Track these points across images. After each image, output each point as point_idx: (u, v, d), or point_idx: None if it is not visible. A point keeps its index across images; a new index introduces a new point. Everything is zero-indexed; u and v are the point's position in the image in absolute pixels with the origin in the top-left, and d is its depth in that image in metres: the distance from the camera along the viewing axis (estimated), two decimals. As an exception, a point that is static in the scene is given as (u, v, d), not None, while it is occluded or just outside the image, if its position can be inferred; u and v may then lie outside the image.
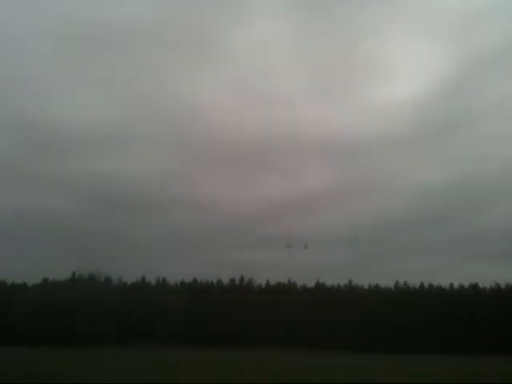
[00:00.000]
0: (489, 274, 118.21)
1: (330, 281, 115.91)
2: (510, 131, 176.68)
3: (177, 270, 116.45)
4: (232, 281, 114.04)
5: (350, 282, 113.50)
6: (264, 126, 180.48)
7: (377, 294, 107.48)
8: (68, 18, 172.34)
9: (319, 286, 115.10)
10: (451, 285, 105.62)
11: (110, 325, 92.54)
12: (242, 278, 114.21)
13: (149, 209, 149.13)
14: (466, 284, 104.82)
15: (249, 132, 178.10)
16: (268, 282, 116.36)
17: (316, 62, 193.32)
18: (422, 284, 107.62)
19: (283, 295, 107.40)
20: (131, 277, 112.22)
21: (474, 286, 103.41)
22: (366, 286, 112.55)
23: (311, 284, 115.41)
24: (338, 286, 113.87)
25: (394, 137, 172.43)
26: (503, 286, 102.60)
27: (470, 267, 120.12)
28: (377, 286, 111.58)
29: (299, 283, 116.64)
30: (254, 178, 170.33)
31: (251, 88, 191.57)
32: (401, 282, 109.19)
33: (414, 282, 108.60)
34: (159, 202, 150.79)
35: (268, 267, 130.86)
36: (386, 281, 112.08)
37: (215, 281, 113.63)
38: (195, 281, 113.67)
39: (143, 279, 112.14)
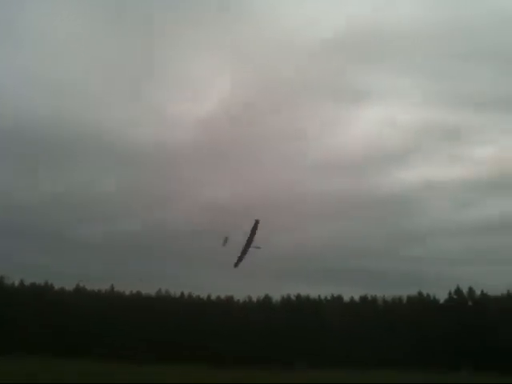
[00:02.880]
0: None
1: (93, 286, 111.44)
2: (301, 159, 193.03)
3: None
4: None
5: (113, 287, 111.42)
6: (53, 116, 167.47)
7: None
8: None
9: (79, 290, 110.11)
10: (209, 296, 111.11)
11: None
12: None
13: None
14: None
15: (37, 120, 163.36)
16: (22, 282, 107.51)
17: (110, 63, 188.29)
18: (182, 294, 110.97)
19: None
20: None
21: (230, 298, 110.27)
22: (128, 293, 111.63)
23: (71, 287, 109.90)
24: (99, 291, 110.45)
25: (185, 152, 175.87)
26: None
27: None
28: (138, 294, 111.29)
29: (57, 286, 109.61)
30: (31, 174, 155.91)
31: (42, 76, 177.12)
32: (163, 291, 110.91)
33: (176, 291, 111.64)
34: None
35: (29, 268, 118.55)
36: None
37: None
38: None
39: None
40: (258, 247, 31.43)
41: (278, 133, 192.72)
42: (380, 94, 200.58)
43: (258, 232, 31.53)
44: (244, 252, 31.10)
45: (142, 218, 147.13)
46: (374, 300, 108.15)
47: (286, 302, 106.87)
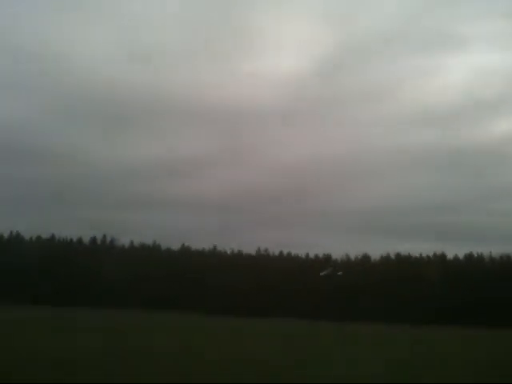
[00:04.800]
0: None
1: (195, 245, 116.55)
2: (382, 114, 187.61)
3: (31, 225, 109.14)
4: (93, 240, 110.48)
5: (215, 246, 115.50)
6: (138, 84, 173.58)
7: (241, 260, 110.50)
8: None
9: (184, 250, 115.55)
10: (307, 254, 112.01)
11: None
12: (104, 238, 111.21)
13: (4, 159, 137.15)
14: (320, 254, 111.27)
15: (120, 87, 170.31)
16: (132, 243, 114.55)
17: (199, 25, 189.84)
18: (281, 252, 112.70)
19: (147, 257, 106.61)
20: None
21: (327, 256, 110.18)
22: (229, 252, 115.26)
23: (176, 247, 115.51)
24: (203, 250, 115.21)
25: (273, 110, 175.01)
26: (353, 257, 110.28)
27: (328, 239, 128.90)
28: (240, 252, 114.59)
29: (164, 246, 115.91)
30: (122, 136, 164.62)
31: (129, 42, 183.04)
32: (262, 250, 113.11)
33: (274, 250, 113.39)
34: (16, 151, 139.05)
35: (135, 229, 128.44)
36: (249, 248, 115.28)
37: (75, 239, 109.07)
38: (53, 238, 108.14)
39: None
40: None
41: (365, 89, 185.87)
42: (473, 40, 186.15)
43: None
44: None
45: (223, 179, 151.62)
46: (481, 258, 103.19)
47: (385, 260, 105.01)
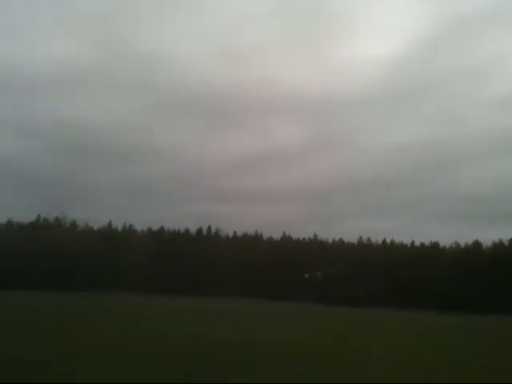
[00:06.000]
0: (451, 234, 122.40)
1: (296, 234, 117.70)
2: (484, 95, 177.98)
3: (143, 218, 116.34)
4: (199, 231, 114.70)
5: (316, 236, 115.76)
6: (233, 79, 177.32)
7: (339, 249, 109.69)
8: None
9: (285, 239, 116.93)
10: (412, 243, 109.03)
11: (82, 271, 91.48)
12: (209, 229, 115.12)
13: (113, 157, 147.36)
14: (427, 242, 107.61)
15: (217, 84, 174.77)
16: (235, 233, 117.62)
17: (287, 17, 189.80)
18: (384, 241, 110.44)
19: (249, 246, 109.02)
20: (97, 223, 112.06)
21: (435, 244, 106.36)
22: (330, 241, 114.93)
23: (277, 236, 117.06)
24: (304, 239, 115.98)
25: (368, 96, 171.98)
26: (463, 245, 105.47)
27: (434, 227, 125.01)
28: (341, 241, 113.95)
29: (266, 235, 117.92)
30: (221, 132, 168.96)
31: (223, 40, 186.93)
32: (364, 239, 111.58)
33: (378, 239, 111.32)
34: (123, 150, 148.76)
35: (236, 219, 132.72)
36: (351, 237, 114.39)
37: (182, 230, 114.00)
38: (162, 229, 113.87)
39: (109, 225, 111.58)
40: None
41: (464, 70, 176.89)
42: None
43: None
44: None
45: (320, 168, 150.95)
46: None
47: (499, 247, 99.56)
